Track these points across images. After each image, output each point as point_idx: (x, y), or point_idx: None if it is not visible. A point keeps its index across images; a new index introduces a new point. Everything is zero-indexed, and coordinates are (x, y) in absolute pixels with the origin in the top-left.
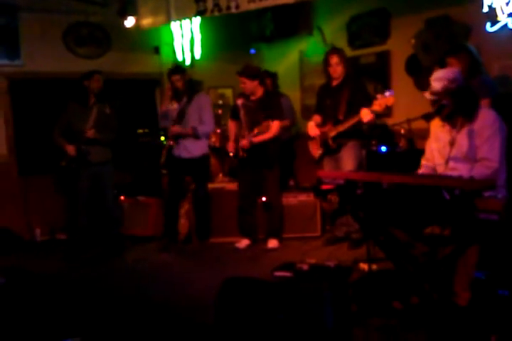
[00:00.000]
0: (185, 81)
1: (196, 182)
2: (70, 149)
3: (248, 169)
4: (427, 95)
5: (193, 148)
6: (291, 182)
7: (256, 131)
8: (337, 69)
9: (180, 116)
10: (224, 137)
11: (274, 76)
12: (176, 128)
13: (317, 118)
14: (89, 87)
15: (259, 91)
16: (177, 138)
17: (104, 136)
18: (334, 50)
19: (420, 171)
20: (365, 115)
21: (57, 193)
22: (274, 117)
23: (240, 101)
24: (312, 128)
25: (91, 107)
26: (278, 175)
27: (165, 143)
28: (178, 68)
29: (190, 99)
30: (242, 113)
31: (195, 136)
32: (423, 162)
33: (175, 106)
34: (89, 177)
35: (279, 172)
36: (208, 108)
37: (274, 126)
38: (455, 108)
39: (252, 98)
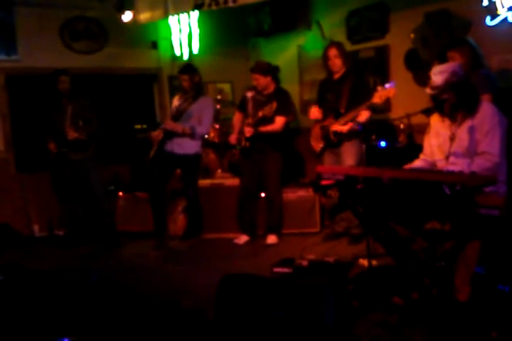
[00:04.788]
0: (193, 82)
1: (185, 180)
2: (51, 146)
3: (250, 162)
4: (428, 90)
5: (186, 145)
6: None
7: (260, 113)
8: (335, 62)
9: (179, 114)
10: (223, 132)
11: (275, 69)
12: (169, 125)
13: (317, 108)
14: (58, 89)
15: (271, 87)
16: (169, 133)
17: (86, 132)
18: (333, 43)
19: (416, 163)
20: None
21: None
22: (282, 113)
23: (249, 94)
24: (315, 112)
25: (65, 107)
26: (279, 170)
27: (158, 125)
28: (187, 68)
29: (194, 100)
30: (250, 105)
31: (191, 135)
32: (421, 157)
33: (176, 102)
34: (71, 173)
35: (280, 167)
36: (210, 111)
37: (279, 122)
38: (457, 102)
39: (264, 92)
